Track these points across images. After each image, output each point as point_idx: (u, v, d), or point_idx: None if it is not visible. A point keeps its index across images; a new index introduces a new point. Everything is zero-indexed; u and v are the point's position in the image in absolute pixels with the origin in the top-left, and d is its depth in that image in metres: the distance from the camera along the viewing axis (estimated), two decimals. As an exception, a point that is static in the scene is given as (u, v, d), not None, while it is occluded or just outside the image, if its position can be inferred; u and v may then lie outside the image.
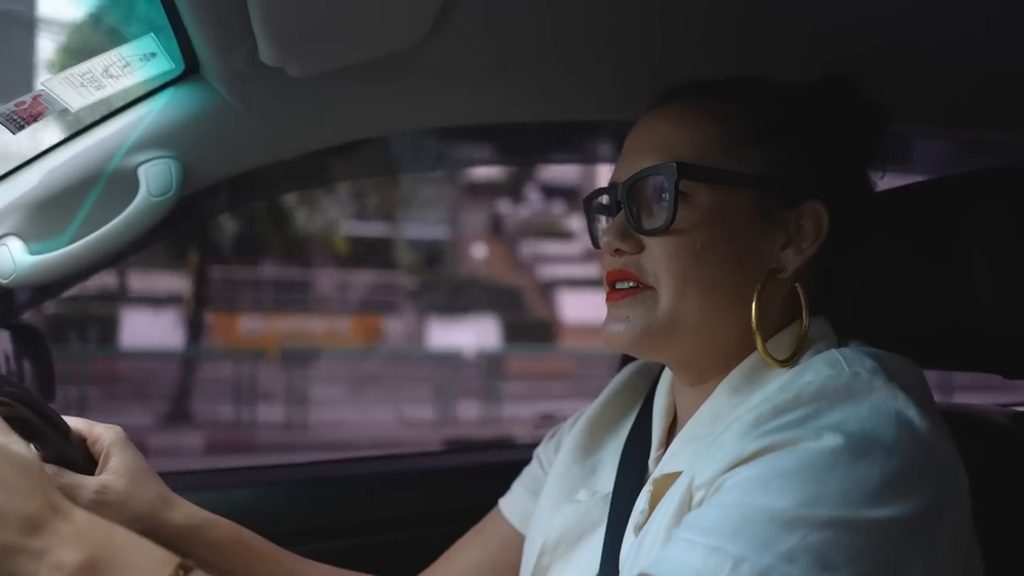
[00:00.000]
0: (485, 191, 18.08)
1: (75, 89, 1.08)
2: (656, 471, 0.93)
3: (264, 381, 11.25)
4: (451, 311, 15.76)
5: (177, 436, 9.43)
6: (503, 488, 1.20)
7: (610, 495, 0.98)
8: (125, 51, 1.09)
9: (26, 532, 0.67)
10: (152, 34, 1.10)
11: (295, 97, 1.23)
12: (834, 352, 0.82)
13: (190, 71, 1.19)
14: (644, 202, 0.91)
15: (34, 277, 1.16)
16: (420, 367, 13.63)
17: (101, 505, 0.97)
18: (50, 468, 0.96)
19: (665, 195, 0.88)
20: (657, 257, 0.89)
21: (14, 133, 1.08)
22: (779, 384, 0.81)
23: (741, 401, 0.87)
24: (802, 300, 0.89)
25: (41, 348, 1.27)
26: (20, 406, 0.87)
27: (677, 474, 0.86)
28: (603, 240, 0.94)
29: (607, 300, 0.94)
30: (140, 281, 13.36)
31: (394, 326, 16.20)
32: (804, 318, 0.89)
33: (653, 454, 0.98)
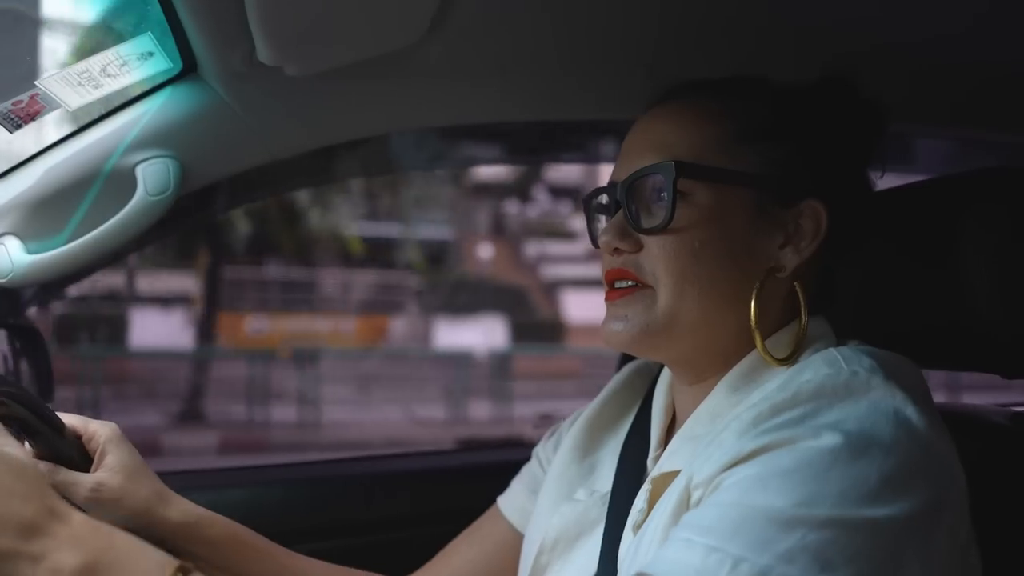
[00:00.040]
0: (492, 191, 18.05)
1: (73, 88, 1.08)
2: (654, 470, 0.93)
3: (274, 380, 11.26)
4: (458, 311, 15.76)
5: (191, 436, 9.44)
6: (501, 488, 1.20)
7: (608, 494, 0.98)
8: (123, 50, 1.09)
9: (24, 536, 0.67)
10: (150, 33, 1.10)
11: (293, 96, 1.23)
12: (832, 351, 0.82)
13: (188, 70, 1.19)
14: (642, 201, 0.91)
15: (32, 276, 1.16)
16: (430, 367, 13.64)
17: (96, 502, 0.98)
18: (45, 465, 0.96)
19: (663, 194, 0.88)
20: (655, 256, 0.89)
21: (11, 132, 1.08)
22: (778, 383, 0.81)
23: (740, 400, 0.87)
24: (801, 299, 0.89)
25: (39, 347, 1.27)
26: (14, 404, 0.87)
27: (675, 473, 0.86)
28: (602, 239, 0.94)
29: (606, 299, 0.95)
30: (149, 281, 13.38)
31: (401, 326, 16.21)
32: (803, 317, 0.89)
33: (652, 453, 0.97)
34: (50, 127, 1.16)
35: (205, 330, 12.51)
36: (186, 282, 13.34)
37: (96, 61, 1.08)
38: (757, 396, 0.82)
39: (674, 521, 0.78)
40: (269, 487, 1.54)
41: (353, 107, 1.28)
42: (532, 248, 18.86)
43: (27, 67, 1.12)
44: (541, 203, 18.43)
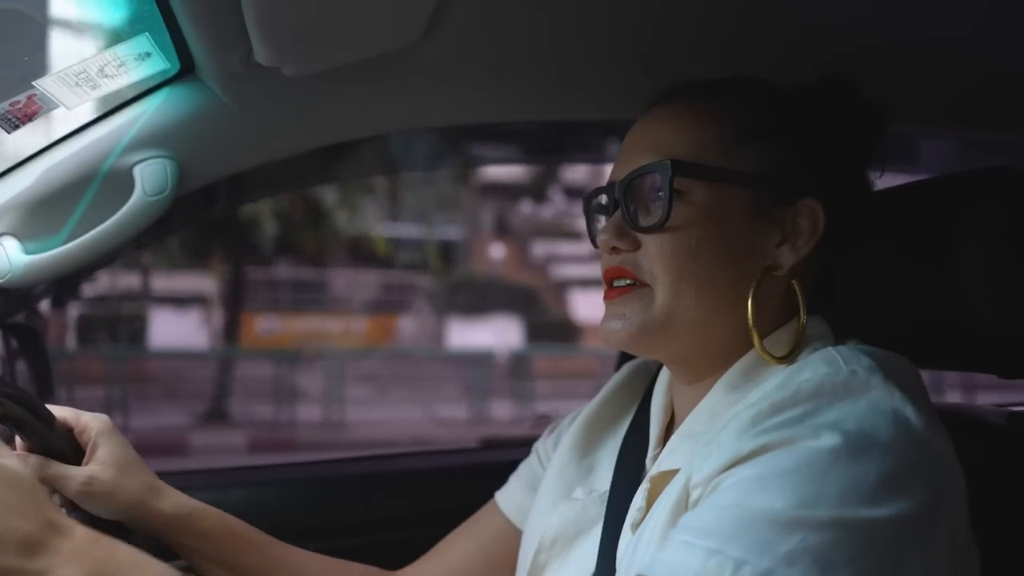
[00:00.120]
0: (505, 191, 18.06)
1: (70, 88, 1.08)
2: (653, 469, 0.93)
3: (291, 380, 11.30)
4: (472, 311, 15.77)
5: (219, 435, 9.48)
6: (499, 487, 1.20)
7: (607, 493, 0.98)
8: (120, 51, 1.09)
9: (25, 553, 0.64)
10: (147, 34, 1.09)
11: (290, 97, 1.23)
12: (831, 350, 0.82)
13: (185, 71, 1.19)
14: (640, 200, 0.91)
15: (29, 277, 1.16)
16: (448, 367, 13.67)
17: (88, 495, 0.98)
18: (36, 459, 0.95)
19: (661, 193, 0.89)
20: (653, 254, 0.90)
21: (9, 132, 1.08)
22: (777, 381, 0.81)
23: (739, 399, 0.87)
24: (799, 297, 0.89)
25: (38, 347, 1.27)
26: (5, 400, 0.87)
27: (674, 471, 0.85)
28: (600, 238, 0.94)
29: (604, 298, 0.95)
30: (166, 281, 13.46)
31: (414, 326, 16.21)
32: (801, 315, 0.89)
33: (650, 452, 0.97)
34: (49, 127, 1.17)
35: (230, 330, 12.53)
36: (201, 282, 13.41)
37: (94, 62, 1.08)
38: (756, 395, 0.82)
39: (673, 520, 0.78)
40: (267, 487, 1.55)
41: (350, 108, 1.28)
42: (546, 248, 18.85)
43: (26, 67, 1.12)
44: (555, 203, 18.40)
